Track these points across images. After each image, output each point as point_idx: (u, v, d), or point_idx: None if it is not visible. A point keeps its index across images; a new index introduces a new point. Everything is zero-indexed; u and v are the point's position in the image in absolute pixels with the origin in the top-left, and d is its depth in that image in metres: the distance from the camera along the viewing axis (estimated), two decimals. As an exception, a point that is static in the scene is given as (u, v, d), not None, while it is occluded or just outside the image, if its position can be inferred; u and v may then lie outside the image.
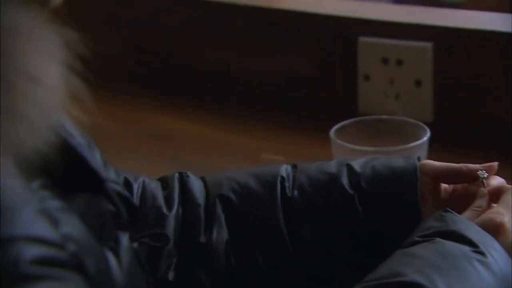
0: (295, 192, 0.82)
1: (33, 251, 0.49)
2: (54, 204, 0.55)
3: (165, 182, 0.85)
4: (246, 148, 1.20)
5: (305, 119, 1.26)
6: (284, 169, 0.84)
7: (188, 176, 0.85)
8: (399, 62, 1.26)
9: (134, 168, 0.90)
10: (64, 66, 0.53)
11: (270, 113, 1.31)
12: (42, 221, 0.52)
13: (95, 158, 0.70)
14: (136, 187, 0.83)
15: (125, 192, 0.75)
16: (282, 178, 0.83)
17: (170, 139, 1.25)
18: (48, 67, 0.52)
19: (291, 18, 1.33)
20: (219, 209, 0.82)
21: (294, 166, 0.86)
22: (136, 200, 0.82)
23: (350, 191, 0.81)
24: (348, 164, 0.83)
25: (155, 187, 0.84)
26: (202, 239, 0.81)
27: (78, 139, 0.67)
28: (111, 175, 0.74)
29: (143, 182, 0.84)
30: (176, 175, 0.86)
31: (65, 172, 0.59)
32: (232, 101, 1.34)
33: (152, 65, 1.43)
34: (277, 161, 0.87)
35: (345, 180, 0.82)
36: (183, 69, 1.41)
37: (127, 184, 0.83)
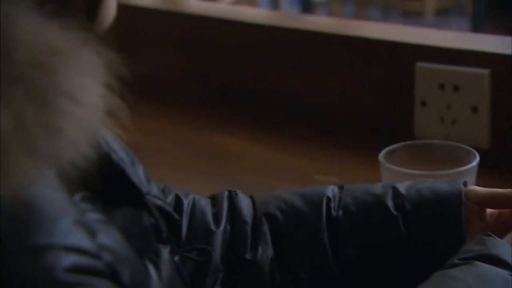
0: (340, 212, 0.84)
1: (68, 259, 0.51)
2: (93, 216, 0.57)
3: (215, 200, 0.88)
4: (300, 169, 1.23)
5: (361, 142, 1.28)
6: (331, 190, 0.86)
7: (237, 194, 0.88)
8: (456, 88, 1.26)
9: (190, 185, 0.93)
10: (103, 85, 0.56)
11: (327, 135, 1.33)
12: (80, 232, 0.54)
13: (137, 174, 0.73)
14: (186, 203, 0.86)
15: (167, 207, 0.78)
16: (328, 198, 0.85)
17: (226, 159, 1.28)
18: (87, 86, 0.54)
19: (350, 43, 1.35)
20: (265, 226, 0.84)
21: (341, 187, 0.87)
22: (185, 216, 0.85)
23: (394, 213, 0.82)
24: (394, 186, 0.85)
25: (205, 204, 0.87)
26: (248, 255, 0.83)
27: (121, 154, 0.70)
28: (154, 190, 0.77)
29: (194, 199, 0.87)
30: (226, 193, 0.88)
31: (108, 186, 0.62)
32: (289, 122, 1.36)
33: (214, 87, 1.46)
34: (331, 182, 0.89)
35: (389, 202, 0.83)
36: (243, 91, 1.44)
37: (178, 201, 0.86)
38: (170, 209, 0.78)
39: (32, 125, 0.50)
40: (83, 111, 0.53)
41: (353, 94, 1.35)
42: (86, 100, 0.53)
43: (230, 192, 0.88)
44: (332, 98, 1.36)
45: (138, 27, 1.53)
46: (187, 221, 0.85)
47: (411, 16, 4.81)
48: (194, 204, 0.86)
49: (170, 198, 0.86)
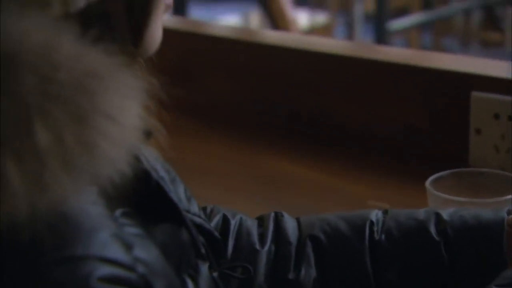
0: (383, 236, 0.86)
1: (103, 270, 0.54)
2: (132, 230, 0.60)
3: (261, 221, 0.91)
4: (353, 194, 1.24)
5: (415, 169, 1.29)
6: (375, 214, 0.88)
7: (283, 216, 0.91)
8: (511, 118, 1.27)
9: (244, 207, 0.96)
10: (142, 107, 0.58)
11: (381, 161, 1.34)
12: (116, 244, 0.57)
13: (178, 192, 0.76)
14: (233, 223, 0.89)
15: (207, 225, 0.81)
16: (371, 222, 0.87)
17: (281, 183, 1.30)
18: (126, 108, 0.56)
19: (406, 72, 1.37)
20: (309, 248, 0.87)
21: (385, 212, 0.89)
22: (232, 235, 0.88)
23: (437, 238, 0.84)
24: (437, 212, 0.86)
25: (252, 225, 0.90)
26: (291, 275, 0.85)
27: (161, 173, 0.73)
28: (193, 209, 0.79)
29: (241, 219, 0.90)
30: (272, 214, 0.91)
31: (148, 203, 0.65)
32: (342, 147, 1.39)
33: (278, 114, 1.50)
34: (383, 208, 0.91)
35: (432, 227, 0.85)
36: (304, 117, 1.46)
37: (225, 220, 0.89)
38: (210, 227, 0.81)
39: (70, 143, 0.53)
40: (121, 130, 0.55)
41: (408, 121, 1.36)
42: (124, 120, 0.56)
43: (276, 213, 0.91)
44: (388, 124, 1.38)
45: (209, 55, 1.58)
46: (233, 240, 0.87)
47: (491, 47, 4.75)
48: (241, 224, 0.89)
49: (218, 218, 0.89)
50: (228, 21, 4.06)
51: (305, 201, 1.22)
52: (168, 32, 1.56)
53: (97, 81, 0.55)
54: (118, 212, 0.61)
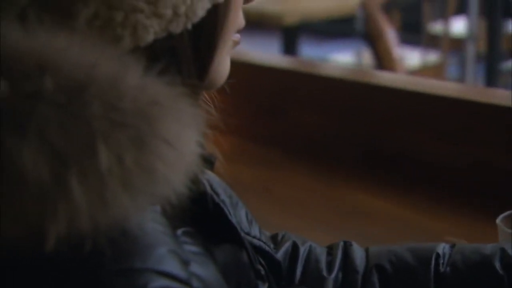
0: (448, 269, 0.87)
1: (159, 282, 0.57)
2: (191, 248, 0.64)
3: (330, 249, 0.94)
4: (430, 229, 1.26)
5: (492, 206, 1.29)
6: (442, 247, 0.90)
7: (351, 245, 0.93)
8: None
9: (321, 236, 1.00)
10: (200, 135, 0.61)
11: (458, 197, 1.35)
12: (173, 260, 0.60)
13: (239, 215, 0.80)
14: (302, 250, 0.92)
15: (267, 248, 0.84)
16: (438, 254, 0.89)
17: (358, 214, 1.33)
18: (184, 134, 0.59)
19: (480, 108, 1.39)
20: (375, 277, 0.89)
21: (452, 246, 0.91)
22: (300, 261, 0.91)
23: (501, 272, 0.85)
24: (503, 247, 0.88)
25: (321, 252, 0.93)
26: None
27: (222, 197, 0.76)
28: (254, 232, 0.83)
29: (310, 246, 0.93)
30: (341, 243, 0.94)
31: (210, 225, 0.70)
32: (421, 183, 1.40)
33: (358, 147, 1.53)
34: (460, 244, 0.93)
35: (497, 262, 0.86)
36: (383, 152, 1.49)
37: (294, 247, 0.93)
38: (270, 249, 0.85)
39: (130, 165, 0.56)
40: (178, 155, 0.58)
41: (486, 158, 1.37)
42: (181, 146, 0.59)
43: (345, 242, 0.94)
44: (465, 160, 1.39)
45: (300, 91, 1.63)
46: (301, 266, 0.91)
47: None
48: (310, 251, 0.93)
49: (288, 244, 0.93)
50: (340, 59, 4.10)
51: (382, 234, 1.24)
52: (265, 69, 1.62)
53: (158, 109, 0.58)
54: (179, 231, 0.65)
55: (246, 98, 1.66)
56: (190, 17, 0.65)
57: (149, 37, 0.63)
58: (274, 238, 0.93)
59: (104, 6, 0.62)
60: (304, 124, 1.59)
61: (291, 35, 4.16)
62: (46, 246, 0.54)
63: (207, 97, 0.76)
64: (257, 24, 4.37)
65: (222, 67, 0.73)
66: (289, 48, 4.16)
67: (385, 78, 1.69)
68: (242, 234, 0.75)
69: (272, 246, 0.90)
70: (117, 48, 0.62)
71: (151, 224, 0.61)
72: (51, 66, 0.56)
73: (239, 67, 1.66)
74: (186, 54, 0.68)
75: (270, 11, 3.92)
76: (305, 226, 1.27)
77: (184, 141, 0.59)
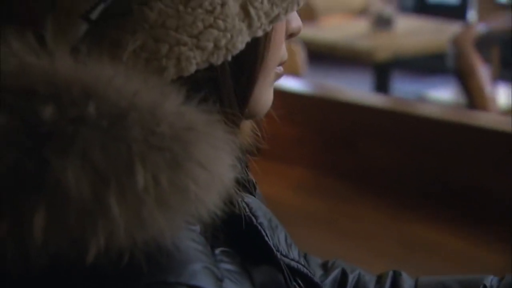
0: None
1: None
2: (227, 267, 0.66)
3: (380, 277, 0.96)
4: (495, 265, 1.25)
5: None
6: (490, 279, 0.91)
7: (401, 275, 0.95)
8: None
9: (382, 267, 1.01)
10: (233, 158, 0.64)
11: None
12: (207, 276, 0.63)
13: (278, 238, 0.80)
14: (351, 277, 0.94)
15: (305, 270, 0.86)
16: (484, 286, 0.90)
17: (423, 248, 1.34)
18: (216, 158, 0.62)
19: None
20: None
21: (501, 278, 0.92)
22: (349, 287, 0.94)
23: None
24: None
25: (369, 280, 0.95)
26: None
27: (261, 220, 0.77)
28: (293, 255, 0.83)
29: (359, 274, 0.95)
30: (391, 272, 0.96)
31: (248, 245, 0.72)
32: (488, 219, 1.40)
33: (427, 182, 1.54)
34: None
35: None
36: (451, 187, 1.50)
37: (343, 274, 0.95)
38: (309, 272, 0.87)
39: (165, 185, 0.59)
40: (211, 177, 0.61)
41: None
42: (215, 169, 0.61)
43: (395, 272, 0.96)
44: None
45: (373, 126, 1.65)
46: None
47: None
48: (359, 279, 0.95)
49: (337, 271, 0.95)
50: (438, 96, 4.07)
51: (443, 268, 1.25)
52: (338, 103, 1.64)
53: (193, 134, 0.62)
54: (218, 250, 0.68)
55: (318, 130, 1.69)
56: (230, 49, 0.68)
57: (192, 68, 0.67)
58: (324, 265, 0.96)
59: (151, 39, 0.66)
60: (375, 157, 1.61)
61: (383, 71, 4.17)
62: (87, 259, 0.57)
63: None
64: (348, 60, 4.42)
65: (264, 98, 0.76)
66: (381, 84, 4.17)
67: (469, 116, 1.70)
68: (279, 256, 0.78)
69: (320, 272, 0.92)
70: (161, 78, 0.65)
71: (188, 242, 0.64)
72: (96, 94, 0.60)
73: (314, 100, 1.70)
74: (226, 84, 0.71)
75: (361, 47, 3.95)
76: (367, 258, 1.28)
77: (217, 164, 0.62)
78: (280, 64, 0.77)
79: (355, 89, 3.99)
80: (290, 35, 0.77)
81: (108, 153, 0.59)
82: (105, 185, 0.58)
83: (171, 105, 0.62)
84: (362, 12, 4.62)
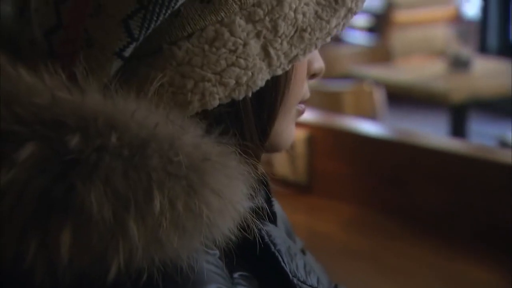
0: None
1: None
2: None
3: None
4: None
5: None
6: None
7: None
8: None
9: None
10: (248, 188, 0.67)
11: None
12: None
13: (295, 265, 0.82)
14: None
15: None
16: None
17: (465, 286, 1.35)
18: (230, 186, 0.66)
19: None
20: None
21: None
22: None
23: None
24: None
25: None
26: None
27: (279, 247, 0.79)
28: (311, 281, 0.85)
29: None
30: None
31: (265, 270, 0.76)
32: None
33: (473, 221, 1.55)
34: None
35: None
36: (498, 227, 1.50)
37: None
38: None
39: (181, 209, 0.63)
40: (224, 203, 0.65)
41: None
42: (227, 195, 0.66)
43: None
44: None
45: (423, 165, 1.69)
46: None
47: None
48: None
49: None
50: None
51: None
52: (386, 143, 1.68)
53: (208, 164, 0.66)
54: (236, 274, 0.72)
55: (369, 168, 1.73)
56: (251, 86, 0.72)
57: (215, 102, 0.71)
58: None
59: (178, 75, 0.70)
60: (423, 196, 1.63)
61: (459, 113, 4.15)
62: (108, 276, 0.62)
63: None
64: (424, 101, 4.42)
65: (285, 133, 0.80)
66: (457, 126, 4.15)
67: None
68: (296, 281, 0.79)
69: None
70: (185, 111, 0.70)
71: (205, 264, 0.68)
72: (119, 125, 0.65)
73: (366, 140, 1.75)
74: (248, 118, 0.75)
75: (437, 89, 3.96)
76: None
77: (230, 192, 0.66)
78: (302, 102, 0.81)
79: (425, 131, 3.99)
80: (313, 75, 0.81)
81: (128, 179, 0.63)
82: (125, 209, 0.63)
83: (189, 137, 0.67)
84: (442, 53, 4.62)
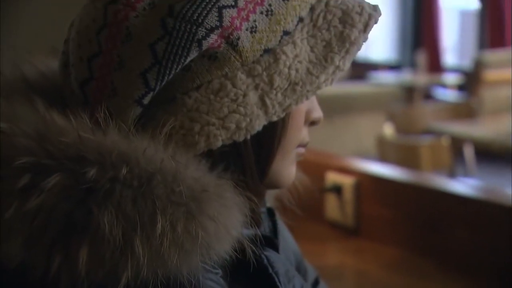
0: None
1: None
2: None
3: None
4: None
5: None
6: None
7: None
8: None
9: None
10: (242, 215, 0.76)
11: None
12: None
13: (292, 285, 0.88)
14: None
15: None
16: None
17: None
18: (225, 214, 0.75)
19: None
20: None
21: None
22: None
23: None
24: None
25: None
26: None
27: (277, 269, 0.85)
28: None
29: None
30: None
31: None
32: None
33: (497, 262, 1.63)
34: None
35: None
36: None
37: None
38: None
39: (180, 231, 0.72)
40: (219, 228, 0.74)
41: None
42: (222, 221, 0.74)
43: None
44: None
45: (455, 211, 1.76)
46: None
47: None
48: None
49: None
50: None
51: None
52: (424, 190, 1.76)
53: (206, 194, 0.75)
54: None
55: (409, 214, 1.83)
56: (250, 130, 0.80)
57: (218, 143, 0.79)
58: None
59: (188, 119, 0.78)
60: (457, 241, 1.71)
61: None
62: (118, 287, 0.71)
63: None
64: (504, 156, 4.41)
65: (284, 173, 0.88)
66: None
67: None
68: None
69: None
70: (193, 150, 0.78)
71: (206, 281, 0.76)
72: (131, 160, 0.74)
73: (405, 187, 1.82)
74: (248, 158, 0.83)
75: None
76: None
77: (225, 219, 0.75)
78: (301, 146, 0.88)
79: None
80: (312, 123, 0.89)
81: (137, 205, 0.72)
82: (133, 230, 0.71)
83: (191, 172, 0.76)
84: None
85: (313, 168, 2.02)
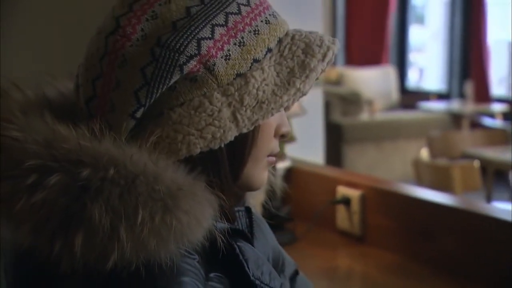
0: None
1: None
2: (215, 285, 0.87)
3: None
4: None
5: None
6: None
7: None
8: None
9: None
10: (211, 210, 0.85)
11: None
12: (193, 286, 0.83)
13: (260, 271, 0.95)
14: None
15: None
16: None
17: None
18: (197, 208, 0.83)
19: None
20: None
21: None
22: None
23: None
24: None
25: None
26: None
27: (247, 257, 0.93)
28: (274, 284, 0.97)
29: None
30: None
31: (238, 274, 0.92)
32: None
33: (486, 269, 1.73)
34: None
35: None
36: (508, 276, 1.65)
37: None
38: None
39: (158, 221, 0.81)
40: (191, 220, 0.82)
41: None
42: (194, 214, 0.83)
43: None
44: None
45: (448, 220, 1.84)
46: None
47: None
48: None
49: None
50: None
51: None
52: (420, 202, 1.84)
53: (181, 192, 0.83)
54: (212, 274, 0.88)
55: (407, 223, 1.95)
56: (223, 140, 0.89)
57: (197, 150, 0.88)
58: None
59: (172, 130, 0.88)
60: (449, 248, 1.82)
61: None
62: (107, 267, 0.80)
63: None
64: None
65: (255, 177, 0.96)
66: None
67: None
68: (257, 282, 0.94)
69: None
70: (175, 155, 0.87)
71: (183, 264, 0.85)
72: (119, 164, 0.83)
73: (403, 199, 1.95)
74: (223, 163, 0.92)
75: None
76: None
77: (197, 212, 0.84)
78: (271, 155, 0.98)
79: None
80: (282, 136, 0.99)
81: (122, 200, 0.81)
82: (119, 221, 0.80)
83: (169, 174, 0.85)
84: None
85: (326, 182, 2.19)
